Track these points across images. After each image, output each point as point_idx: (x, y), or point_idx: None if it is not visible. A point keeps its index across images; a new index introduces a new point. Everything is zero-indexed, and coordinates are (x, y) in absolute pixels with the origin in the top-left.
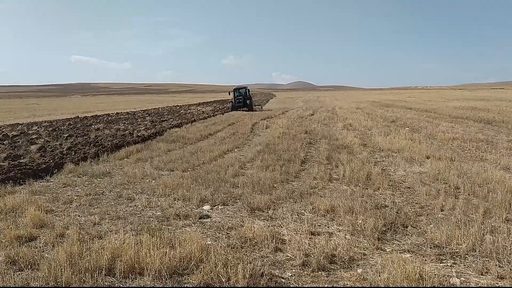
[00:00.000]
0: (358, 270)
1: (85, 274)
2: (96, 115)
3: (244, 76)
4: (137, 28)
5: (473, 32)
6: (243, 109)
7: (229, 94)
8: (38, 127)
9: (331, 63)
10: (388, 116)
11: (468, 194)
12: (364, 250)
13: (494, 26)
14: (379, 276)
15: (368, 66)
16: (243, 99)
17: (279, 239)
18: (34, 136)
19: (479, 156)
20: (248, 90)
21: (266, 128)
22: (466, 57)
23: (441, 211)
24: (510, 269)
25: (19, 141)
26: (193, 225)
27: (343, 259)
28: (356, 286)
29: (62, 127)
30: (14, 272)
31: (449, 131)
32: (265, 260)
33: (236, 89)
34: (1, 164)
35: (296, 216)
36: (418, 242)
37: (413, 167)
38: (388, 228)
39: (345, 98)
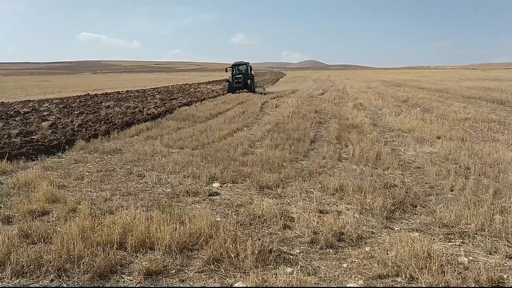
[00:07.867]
0: (366, 248)
1: (97, 248)
2: (106, 92)
3: (253, 55)
4: (145, 5)
5: (487, 9)
6: (242, 90)
7: (226, 71)
8: (49, 104)
9: (342, 42)
10: (399, 96)
11: (479, 175)
12: (373, 229)
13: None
14: (387, 254)
15: (380, 45)
16: (243, 79)
17: (288, 216)
18: (45, 113)
19: (491, 136)
20: (250, 67)
21: (275, 107)
22: (480, 35)
23: (451, 191)
24: None
25: (30, 118)
26: (202, 202)
27: (351, 237)
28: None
29: (73, 104)
30: (27, 245)
31: (461, 111)
32: (273, 237)
33: (235, 65)
34: (14, 140)
35: (305, 194)
36: (426, 222)
37: (424, 147)
38: (397, 208)
39: (356, 78)
